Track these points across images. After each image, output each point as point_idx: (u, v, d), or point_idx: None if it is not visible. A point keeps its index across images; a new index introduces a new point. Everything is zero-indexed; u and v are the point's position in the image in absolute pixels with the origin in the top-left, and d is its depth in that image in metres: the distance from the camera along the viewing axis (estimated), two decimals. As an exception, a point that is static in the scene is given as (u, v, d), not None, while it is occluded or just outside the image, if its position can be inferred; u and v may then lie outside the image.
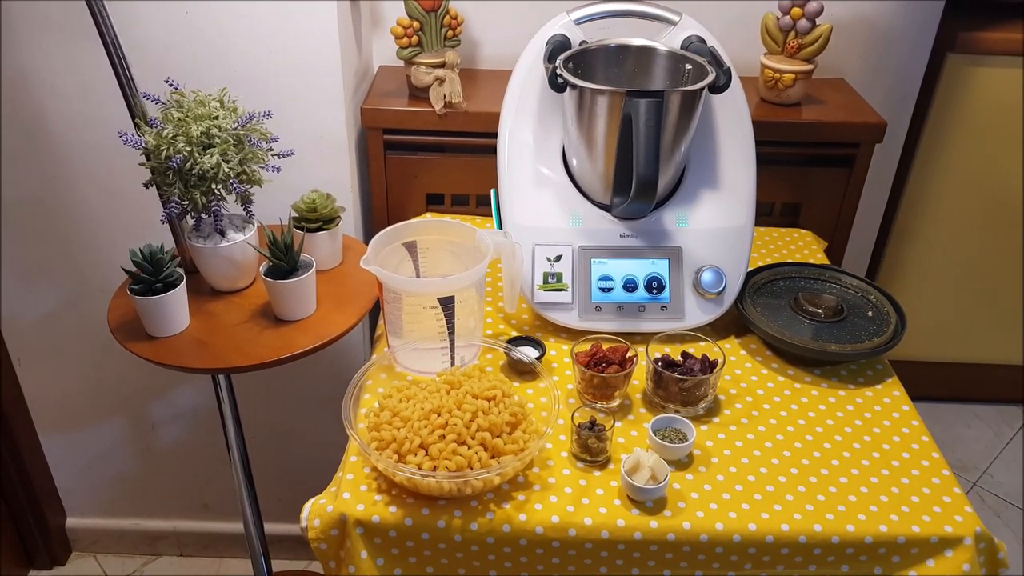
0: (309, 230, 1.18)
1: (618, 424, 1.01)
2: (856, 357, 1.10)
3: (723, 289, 1.14)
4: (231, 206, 1.13)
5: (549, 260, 1.15)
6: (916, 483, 0.95)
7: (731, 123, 1.18)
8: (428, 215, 1.44)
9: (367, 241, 1.10)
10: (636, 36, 1.19)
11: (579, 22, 1.18)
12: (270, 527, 1.52)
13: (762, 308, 1.17)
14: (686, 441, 0.96)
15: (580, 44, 1.18)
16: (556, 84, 1.07)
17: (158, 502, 1.79)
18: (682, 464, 0.96)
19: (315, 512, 0.91)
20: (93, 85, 1.27)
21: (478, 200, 1.45)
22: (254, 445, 1.39)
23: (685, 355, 1.06)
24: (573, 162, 1.17)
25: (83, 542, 1.84)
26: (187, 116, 1.04)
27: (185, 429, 1.68)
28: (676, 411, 1.02)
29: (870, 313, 1.17)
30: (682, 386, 1.01)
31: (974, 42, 1.46)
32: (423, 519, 0.89)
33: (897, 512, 0.91)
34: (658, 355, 1.05)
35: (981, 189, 1.58)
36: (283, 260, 1.08)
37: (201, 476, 1.74)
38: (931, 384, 1.97)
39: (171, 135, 1.03)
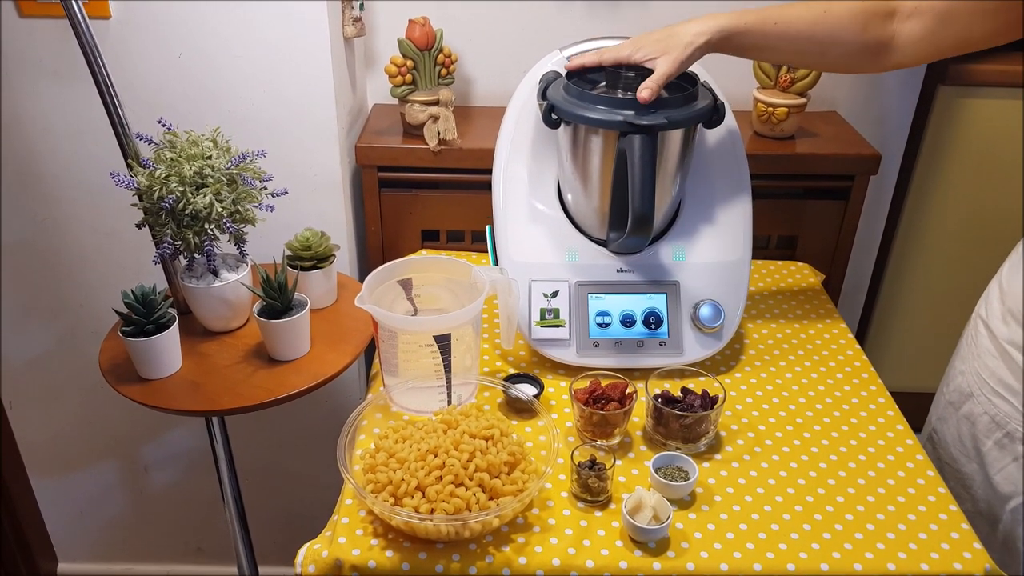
0: (303, 268, 1.17)
1: (619, 462, 0.99)
2: None
3: (722, 323, 1.13)
4: (224, 245, 1.12)
5: (546, 296, 1.14)
6: (923, 519, 0.93)
7: (726, 157, 1.18)
8: (423, 252, 1.43)
9: (362, 279, 1.09)
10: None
11: (572, 59, 1.18)
12: (265, 570, 1.49)
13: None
14: (688, 479, 0.94)
15: (574, 80, 1.18)
16: (550, 120, 1.07)
17: (151, 546, 1.75)
18: (684, 503, 0.94)
19: (310, 557, 0.89)
20: (85, 126, 1.27)
21: (473, 236, 1.45)
22: (248, 487, 1.37)
23: (685, 391, 1.05)
24: (568, 197, 1.17)
25: (74, 589, 1.80)
26: (180, 156, 1.03)
27: (178, 472, 1.65)
28: (677, 448, 1.01)
29: None
30: (683, 423, 0.99)
31: (965, 73, 1.46)
32: (420, 563, 0.87)
33: (905, 549, 0.89)
34: (658, 391, 1.04)
35: (977, 218, 1.58)
36: (277, 300, 1.07)
37: (195, 519, 1.71)
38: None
39: (164, 175, 1.02)
